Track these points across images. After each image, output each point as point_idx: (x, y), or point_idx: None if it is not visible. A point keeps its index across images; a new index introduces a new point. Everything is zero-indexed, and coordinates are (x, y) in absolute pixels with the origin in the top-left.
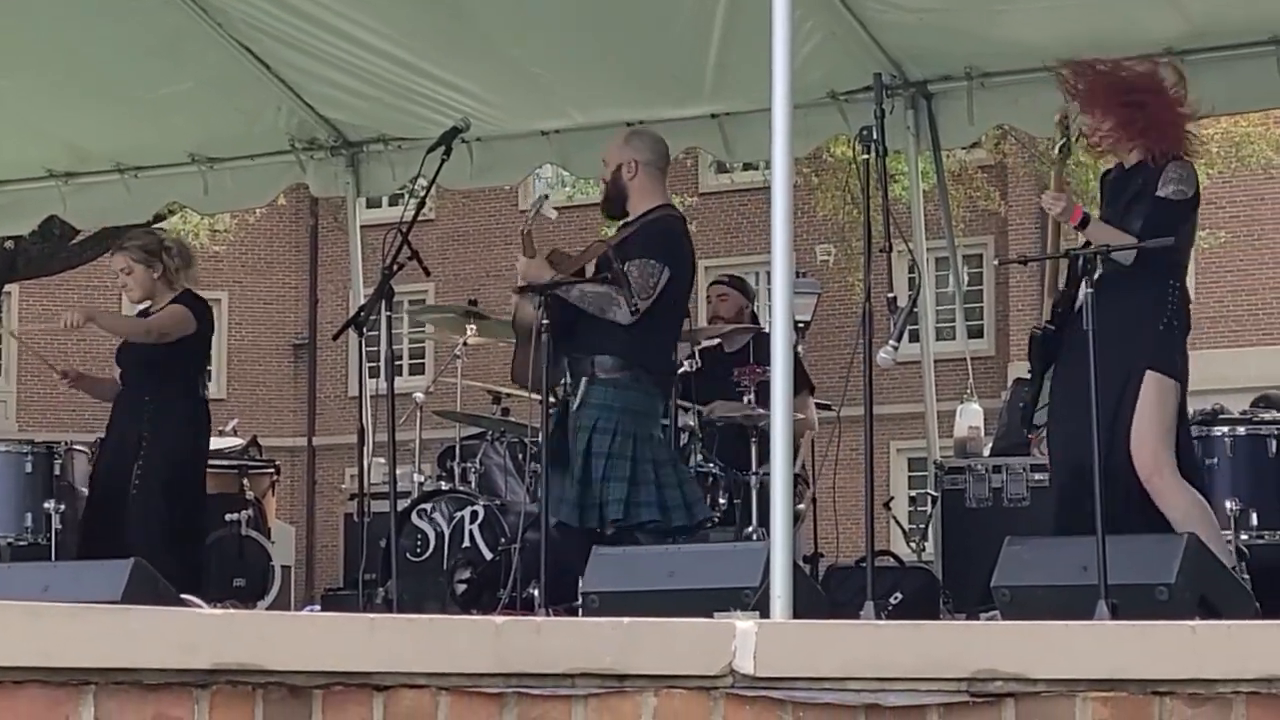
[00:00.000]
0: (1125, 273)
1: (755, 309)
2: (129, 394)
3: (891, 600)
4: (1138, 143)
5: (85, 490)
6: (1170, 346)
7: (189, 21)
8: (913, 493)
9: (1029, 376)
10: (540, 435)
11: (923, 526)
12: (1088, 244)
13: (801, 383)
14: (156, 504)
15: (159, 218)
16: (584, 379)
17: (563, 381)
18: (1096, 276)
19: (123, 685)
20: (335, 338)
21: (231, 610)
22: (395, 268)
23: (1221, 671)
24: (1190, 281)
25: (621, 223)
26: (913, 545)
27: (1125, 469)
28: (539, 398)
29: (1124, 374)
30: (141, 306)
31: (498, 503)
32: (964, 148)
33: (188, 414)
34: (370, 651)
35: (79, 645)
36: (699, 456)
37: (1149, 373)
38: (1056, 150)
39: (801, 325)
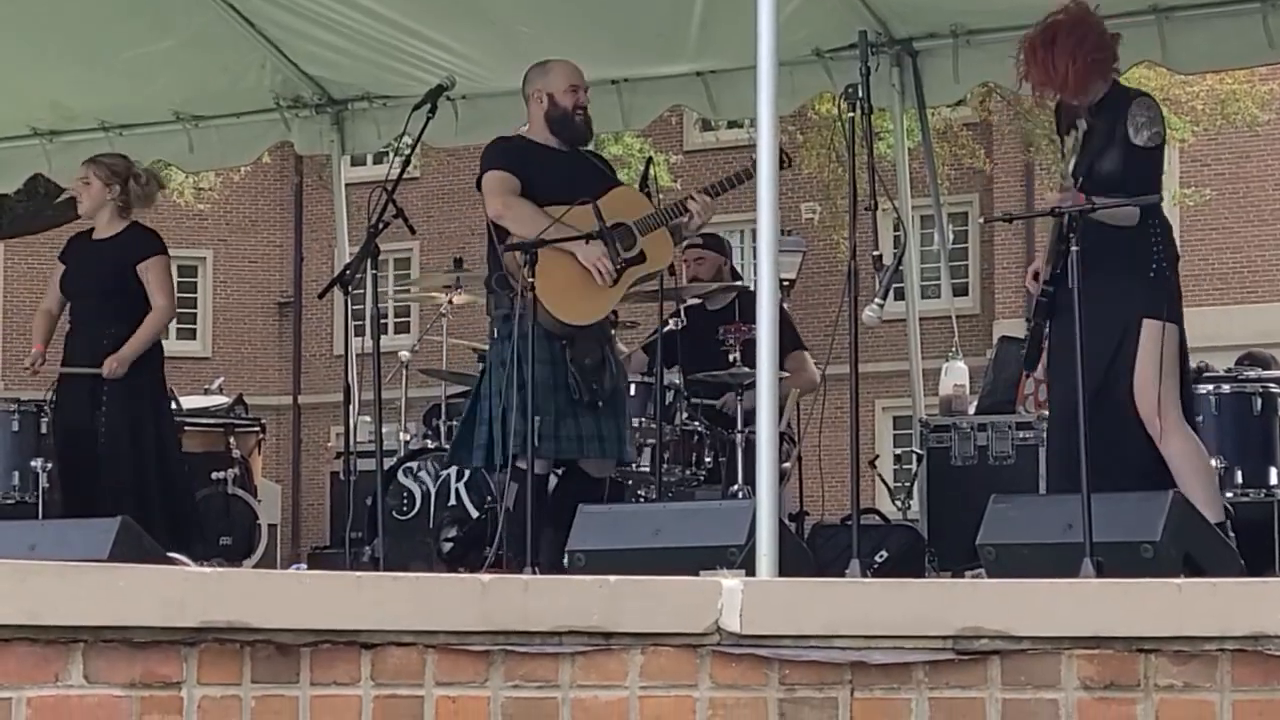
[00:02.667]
0: (1109, 225)
1: (733, 265)
2: (90, 329)
3: (877, 558)
4: (1082, 91)
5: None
6: (1161, 290)
7: None
8: (898, 451)
9: (1020, 337)
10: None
11: (908, 484)
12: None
13: (794, 341)
14: (134, 448)
15: None
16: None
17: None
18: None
19: (111, 643)
20: (321, 296)
21: (219, 569)
22: (380, 226)
23: (1207, 629)
24: (1175, 239)
25: (570, 149)
26: (898, 503)
27: (1124, 423)
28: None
29: (1120, 326)
30: (99, 233)
31: None
32: (949, 105)
33: (149, 358)
34: (357, 610)
35: (68, 604)
36: (684, 414)
37: (1145, 321)
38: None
39: (787, 283)
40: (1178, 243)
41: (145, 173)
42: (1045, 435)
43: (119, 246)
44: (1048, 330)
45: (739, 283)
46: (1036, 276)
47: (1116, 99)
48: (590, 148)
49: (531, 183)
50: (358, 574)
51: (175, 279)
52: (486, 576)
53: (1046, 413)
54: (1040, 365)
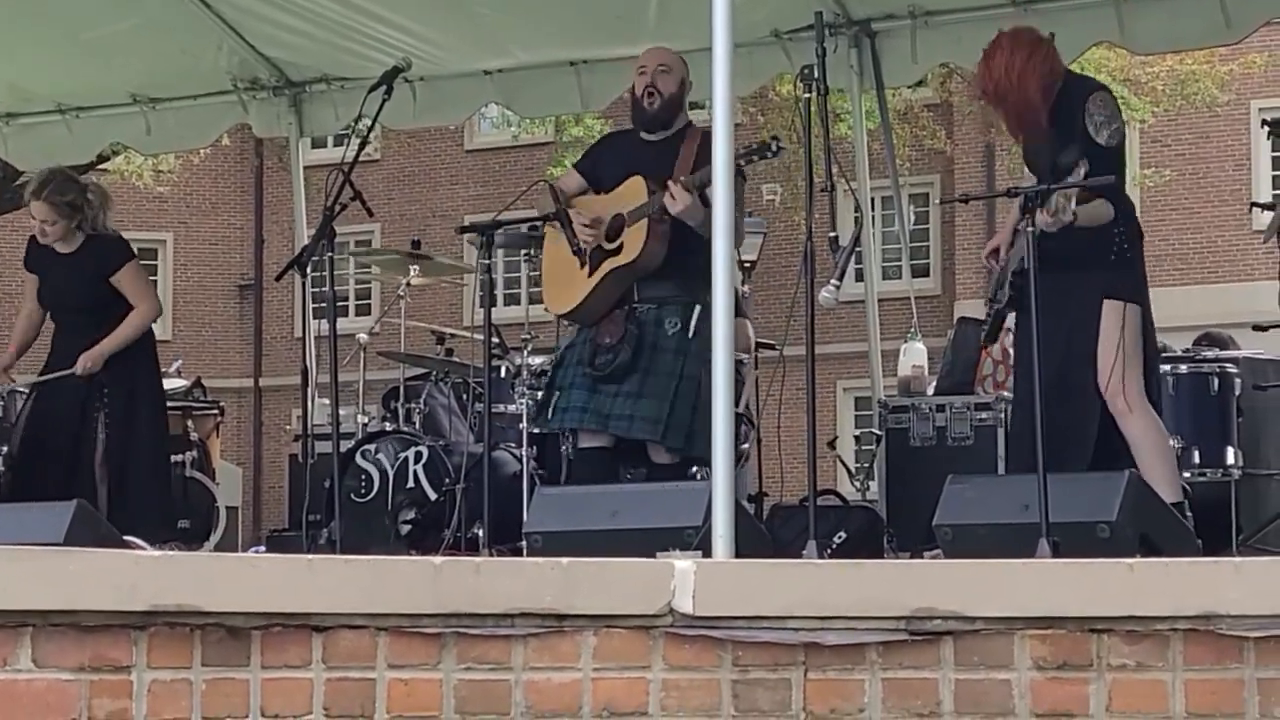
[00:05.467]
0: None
1: None
2: (74, 339)
3: (835, 539)
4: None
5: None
6: (1124, 272)
7: None
8: (858, 432)
9: (979, 318)
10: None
11: (867, 465)
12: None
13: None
14: (140, 445)
15: (102, 158)
16: (699, 306)
17: (637, 306)
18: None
19: (60, 627)
20: (278, 279)
21: (169, 552)
22: (337, 208)
23: (1159, 609)
24: (1137, 218)
25: (670, 132)
26: (857, 484)
27: (1087, 405)
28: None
29: (1083, 309)
30: (63, 248)
31: (442, 443)
32: (910, 86)
33: (147, 349)
34: (309, 592)
35: (16, 588)
36: None
37: (1106, 302)
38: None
39: (748, 264)
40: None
41: (94, 188)
42: (1007, 416)
43: (87, 261)
44: (1005, 306)
45: None
46: (995, 254)
47: (1071, 91)
48: (675, 128)
49: (596, 173)
50: (309, 557)
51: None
52: (439, 559)
53: (1005, 394)
54: (1000, 345)
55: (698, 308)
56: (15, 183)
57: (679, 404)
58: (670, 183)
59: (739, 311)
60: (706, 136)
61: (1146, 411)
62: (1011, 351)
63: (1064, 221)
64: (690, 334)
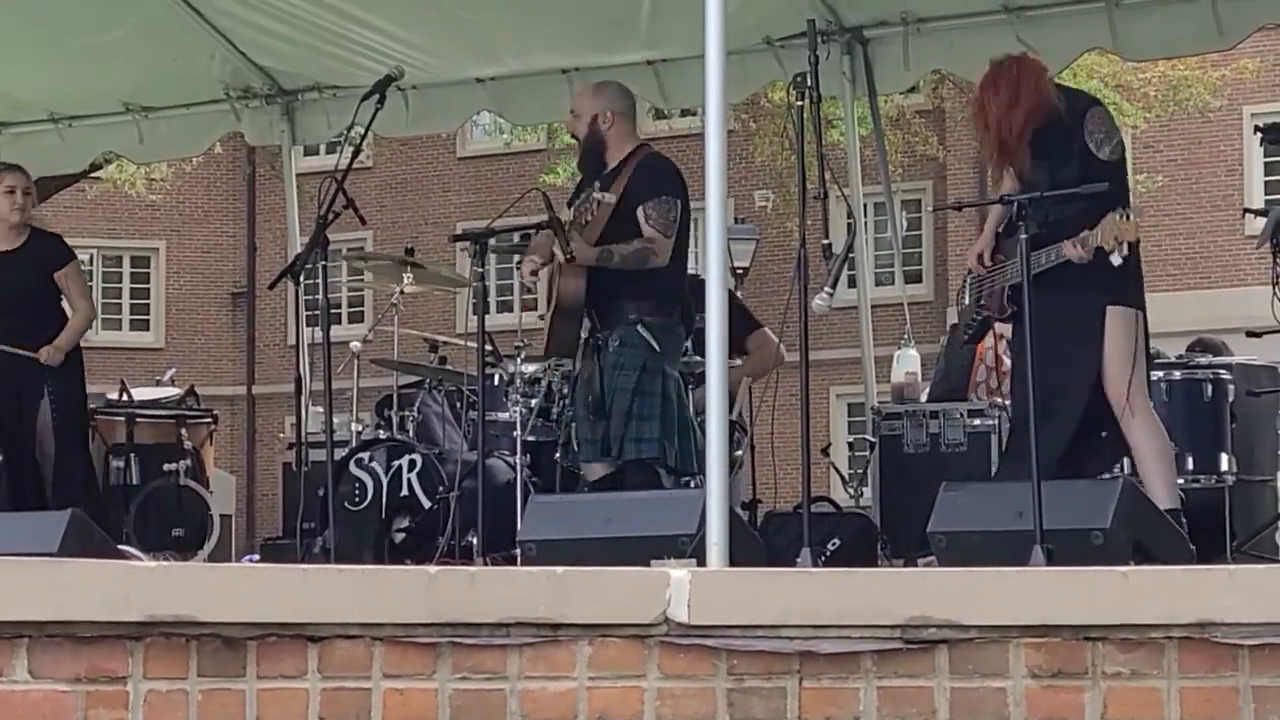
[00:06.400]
0: (1075, 222)
1: None
2: (17, 338)
3: (829, 546)
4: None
5: None
6: (1124, 277)
7: None
8: (852, 438)
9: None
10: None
11: (861, 472)
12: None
13: (751, 323)
14: (80, 453)
15: (94, 166)
16: (623, 325)
17: (594, 334)
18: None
19: (56, 638)
20: (271, 287)
21: (165, 563)
22: (330, 216)
23: (1153, 616)
24: None
25: (607, 170)
26: (851, 491)
27: (1088, 411)
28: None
29: (1085, 316)
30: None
31: (436, 451)
32: (902, 93)
33: (78, 355)
34: (304, 603)
35: (11, 599)
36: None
37: (1109, 308)
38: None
39: (740, 271)
40: None
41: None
42: (1000, 422)
43: (32, 256)
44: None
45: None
46: (980, 258)
47: (1069, 107)
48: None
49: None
50: (304, 567)
51: (128, 270)
52: (434, 568)
53: (999, 400)
54: (995, 352)
55: (638, 325)
56: None
57: (625, 418)
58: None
59: (756, 322)
60: (640, 168)
61: (1150, 417)
62: (1006, 359)
63: (1089, 255)
64: (636, 350)
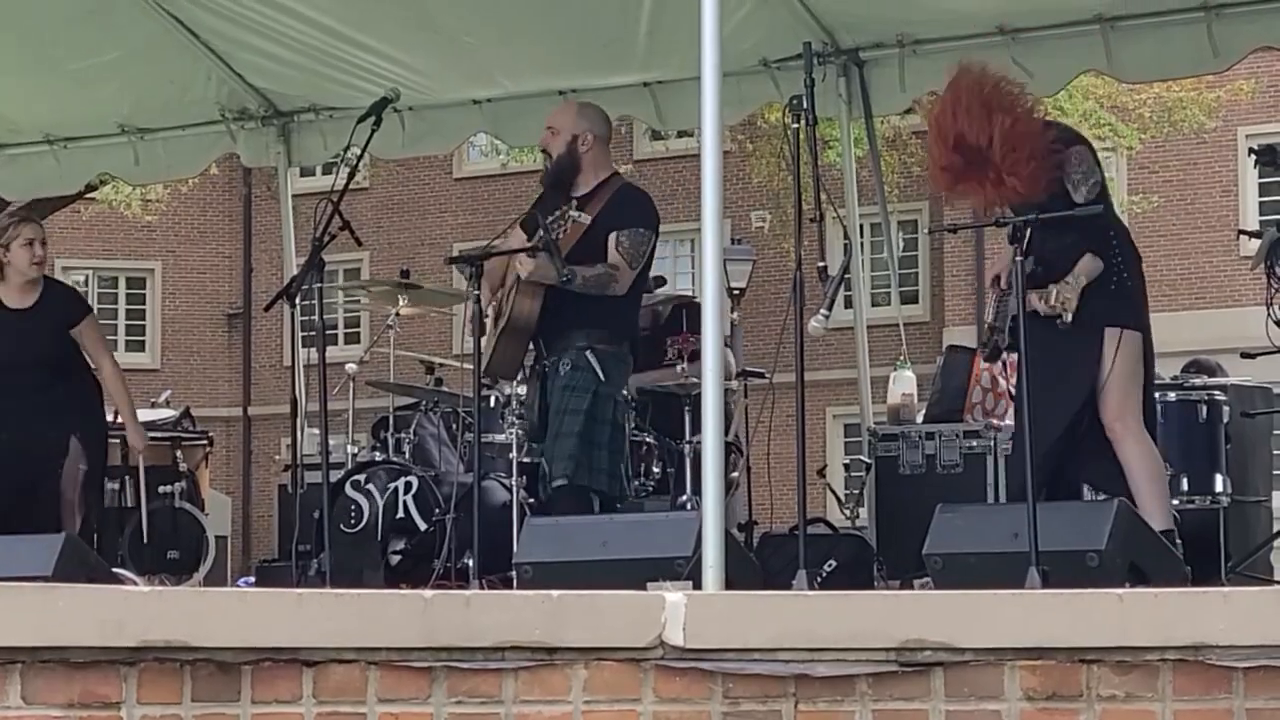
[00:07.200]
0: (1072, 245)
1: None
2: (39, 395)
3: (825, 568)
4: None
5: None
6: (1124, 299)
7: None
8: (848, 459)
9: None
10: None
11: (857, 493)
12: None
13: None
14: (96, 497)
15: (90, 188)
16: (573, 350)
17: (539, 361)
18: (1026, 246)
19: (49, 664)
20: (267, 309)
21: (159, 587)
22: (326, 238)
23: (1149, 639)
24: (1132, 241)
25: (578, 193)
26: (847, 512)
27: (1087, 434)
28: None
29: (1085, 340)
30: (17, 301)
31: (432, 473)
32: (898, 114)
33: (101, 403)
34: (299, 627)
35: (5, 625)
36: (632, 425)
37: (1107, 329)
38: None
39: (737, 291)
40: None
41: None
42: (996, 444)
43: (49, 314)
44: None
45: (685, 293)
46: (997, 281)
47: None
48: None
49: None
50: (299, 591)
51: (124, 291)
52: (429, 592)
53: (995, 422)
54: (990, 373)
55: (588, 351)
56: (3, 212)
57: (575, 438)
58: (522, 253)
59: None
60: (619, 195)
61: (1143, 438)
62: (1001, 380)
63: (1056, 312)
64: (587, 373)
